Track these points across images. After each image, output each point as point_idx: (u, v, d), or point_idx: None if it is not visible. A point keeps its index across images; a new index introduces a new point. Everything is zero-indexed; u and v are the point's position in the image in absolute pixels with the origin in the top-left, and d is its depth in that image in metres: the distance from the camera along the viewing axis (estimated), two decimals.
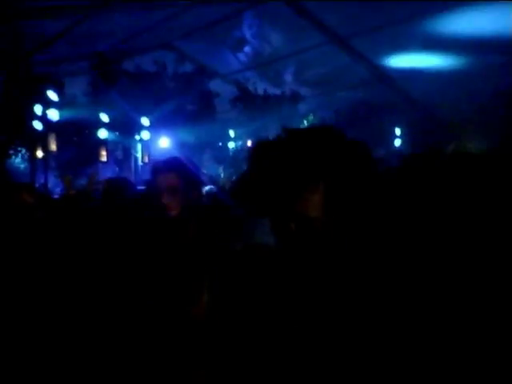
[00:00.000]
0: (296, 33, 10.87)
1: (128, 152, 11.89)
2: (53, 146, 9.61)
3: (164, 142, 11.88)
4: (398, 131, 13.33)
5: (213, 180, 9.08)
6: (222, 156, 12.78)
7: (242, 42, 12.42)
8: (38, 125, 9.24)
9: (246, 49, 12.60)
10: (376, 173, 1.00)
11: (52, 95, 9.29)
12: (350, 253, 0.95)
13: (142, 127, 11.54)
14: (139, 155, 11.65)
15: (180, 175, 2.11)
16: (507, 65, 9.15)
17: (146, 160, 11.69)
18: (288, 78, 12.65)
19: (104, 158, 10.93)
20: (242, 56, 12.75)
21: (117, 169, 11.75)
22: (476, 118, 10.84)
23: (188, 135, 11.88)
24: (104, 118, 10.73)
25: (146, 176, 10.98)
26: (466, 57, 9.86)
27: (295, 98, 12.78)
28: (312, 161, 0.92)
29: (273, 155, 0.96)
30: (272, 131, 12.98)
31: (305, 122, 12.49)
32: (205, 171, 11.67)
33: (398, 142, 13.42)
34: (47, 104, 9.22)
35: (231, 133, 13.11)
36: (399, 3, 8.85)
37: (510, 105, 10.26)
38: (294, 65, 12.22)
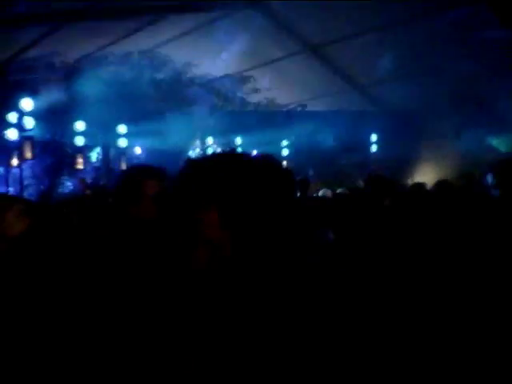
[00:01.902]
0: (271, 41, 10.99)
1: (105, 159, 11.84)
2: (28, 154, 9.54)
3: (141, 150, 11.87)
4: (374, 137, 13.56)
5: None
6: None
7: (220, 49, 12.46)
8: (13, 133, 9.18)
9: (223, 56, 12.64)
10: (287, 196, 1.06)
11: (27, 103, 9.25)
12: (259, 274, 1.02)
13: (119, 134, 11.52)
14: (118, 162, 11.62)
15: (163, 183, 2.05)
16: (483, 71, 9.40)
17: (124, 167, 11.65)
18: (265, 85, 12.74)
19: (81, 166, 10.87)
20: (219, 63, 12.80)
21: (94, 176, 11.68)
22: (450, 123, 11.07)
23: (166, 142, 11.88)
24: (80, 125, 10.69)
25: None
26: (440, 64, 10.06)
27: (272, 105, 12.89)
28: (204, 185, 1.01)
29: (176, 182, 1.06)
30: (249, 138, 13.10)
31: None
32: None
33: (374, 148, 13.65)
34: (22, 112, 9.17)
35: (209, 140, 13.16)
36: (371, 11, 9.03)
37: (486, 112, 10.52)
38: (269, 72, 12.31)
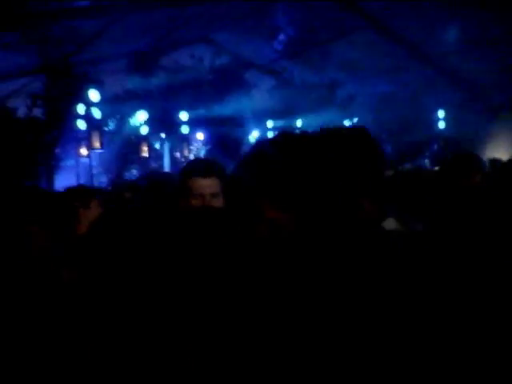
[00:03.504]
0: (331, 17, 10.68)
1: (169, 147, 12.06)
2: (96, 144, 9.87)
3: (203, 136, 11.98)
4: (441, 113, 12.94)
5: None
6: None
7: (277, 29, 12.29)
8: (81, 124, 9.52)
9: (281, 37, 12.47)
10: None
11: (93, 94, 9.54)
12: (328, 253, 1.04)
13: (181, 122, 11.68)
14: (181, 149, 11.82)
15: (222, 180, 2.04)
16: None
17: (186, 154, 11.84)
18: (325, 64, 12.46)
19: (146, 154, 11.14)
20: (277, 44, 12.64)
21: (158, 164, 11.94)
22: None
23: (227, 128, 11.93)
24: (144, 114, 10.92)
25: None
26: None
27: (333, 84, 12.59)
28: (266, 172, 1.05)
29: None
30: (310, 120, 12.88)
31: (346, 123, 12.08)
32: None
33: (441, 125, 13.04)
34: (89, 103, 9.48)
35: (269, 123, 13.08)
36: None
37: None
38: (330, 50, 12.01)
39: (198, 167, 2.14)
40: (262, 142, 1.16)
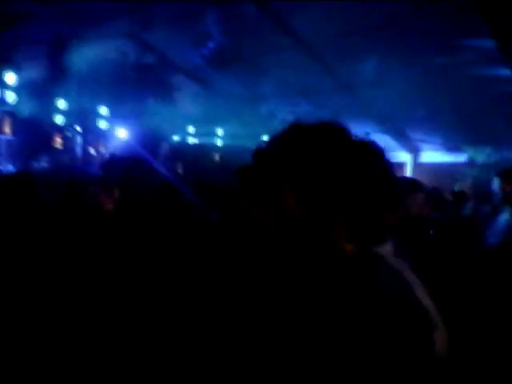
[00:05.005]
0: (261, 34, 10.92)
1: (85, 141, 11.59)
2: (7, 129, 9.27)
3: (122, 133, 11.66)
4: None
5: (171, 175, 9.02)
6: (180, 152, 12.69)
7: (207, 37, 12.29)
8: None
9: (210, 44, 12.49)
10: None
11: (10, 77, 8.97)
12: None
13: (100, 116, 11.30)
14: (97, 144, 11.41)
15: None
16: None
17: (103, 150, 11.46)
18: (250, 77, 12.69)
19: (59, 146, 10.63)
20: (205, 51, 12.64)
21: (70, 158, 11.43)
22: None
23: (147, 128, 11.72)
24: (61, 104, 10.44)
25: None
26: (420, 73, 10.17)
27: (257, 97, 12.85)
28: (284, 163, 1.06)
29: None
30: (230, 129, 13.03)
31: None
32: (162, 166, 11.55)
33: None
34: (4, 86, 8.90)
35: (191, 129, 13.04)
36: (365, 11, 9.05)
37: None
38: (257, 65, 12.26)
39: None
40: (278, 135, 1.14)
